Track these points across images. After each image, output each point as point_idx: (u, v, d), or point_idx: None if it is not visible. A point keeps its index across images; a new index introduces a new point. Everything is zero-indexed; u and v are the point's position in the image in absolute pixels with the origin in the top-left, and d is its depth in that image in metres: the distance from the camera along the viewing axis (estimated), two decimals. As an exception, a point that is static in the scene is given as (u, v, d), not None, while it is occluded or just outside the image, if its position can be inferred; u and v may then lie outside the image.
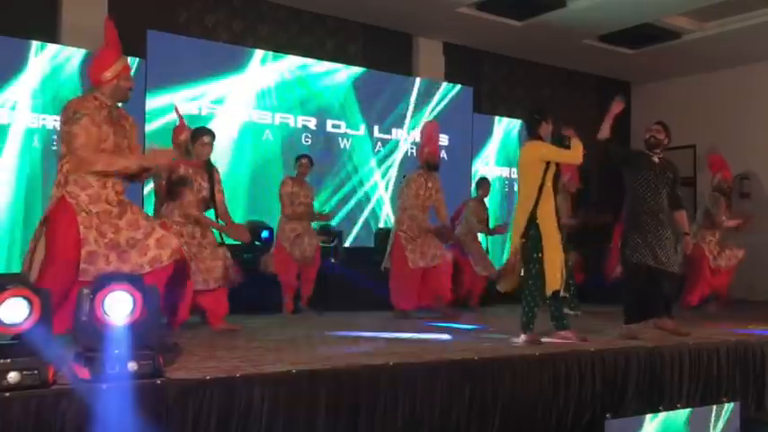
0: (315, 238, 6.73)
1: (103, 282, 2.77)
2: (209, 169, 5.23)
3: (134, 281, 2.85)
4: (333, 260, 7.60)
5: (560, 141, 4.63)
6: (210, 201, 5.15)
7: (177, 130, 5.67)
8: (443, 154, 8.82)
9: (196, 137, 5.21)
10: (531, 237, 4.49)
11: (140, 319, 2.83)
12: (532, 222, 4.49)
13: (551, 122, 4.62)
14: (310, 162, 6.81)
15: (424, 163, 6.51)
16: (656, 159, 5.03)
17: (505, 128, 10.13)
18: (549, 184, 4.53)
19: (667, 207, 4.98)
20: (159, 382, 2.86)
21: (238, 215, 6.97)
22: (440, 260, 6.35)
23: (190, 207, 4.97)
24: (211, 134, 5.27)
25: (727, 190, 7.77)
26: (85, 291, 2.74)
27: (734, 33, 9.08)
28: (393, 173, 8.99)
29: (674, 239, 4.99)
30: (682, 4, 8.47)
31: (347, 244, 8.33)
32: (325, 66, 8.63)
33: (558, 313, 4.66)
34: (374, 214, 8.86)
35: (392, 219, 8.82)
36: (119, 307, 2.74)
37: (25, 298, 2.66)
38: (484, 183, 8.16)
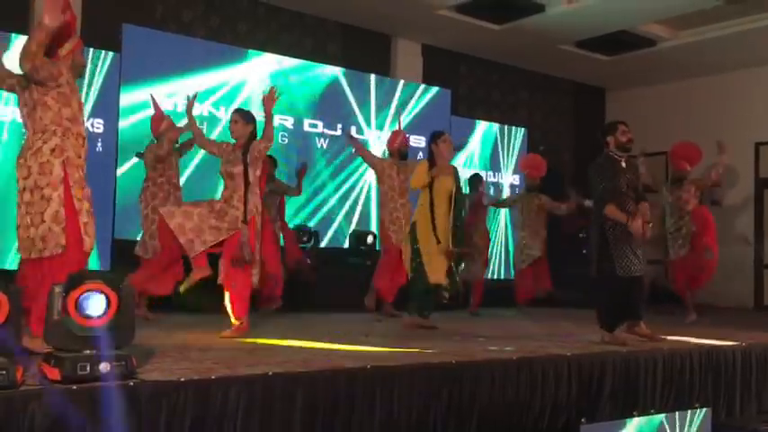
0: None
1: (77, 280, 2.68)
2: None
3: (109, 280, 2.76)
4: (308, 260, 7.55)
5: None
6: None
7: (155, 119, 5.58)
8: (419, 155, 8.79)
9: None
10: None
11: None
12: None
13: (446, 142, 5.48)
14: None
15: (396, 152, 6.69)
16: (623, 164, 4.81)
17: (485, 131, 10.14)
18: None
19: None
20: (132, 383, 2.80)
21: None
22: None
23: None
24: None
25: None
26: (57, 288, 2.65)
27: (708, 42, 9.21)
28: (370, 174, 8.93)
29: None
30: (657, 13, 8.56)
31: (323, 244, 8.26)
32: (304, 64, 8.55)
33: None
34: (350, 215, 8.80)
35: (372, 219, 8.82)
36: (94, 306, 2.66)
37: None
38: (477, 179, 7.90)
